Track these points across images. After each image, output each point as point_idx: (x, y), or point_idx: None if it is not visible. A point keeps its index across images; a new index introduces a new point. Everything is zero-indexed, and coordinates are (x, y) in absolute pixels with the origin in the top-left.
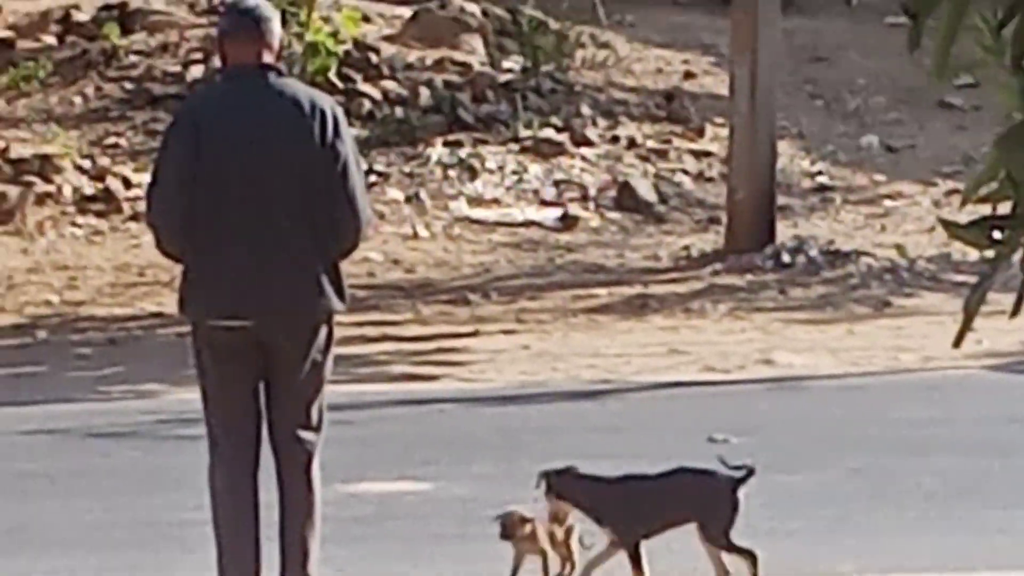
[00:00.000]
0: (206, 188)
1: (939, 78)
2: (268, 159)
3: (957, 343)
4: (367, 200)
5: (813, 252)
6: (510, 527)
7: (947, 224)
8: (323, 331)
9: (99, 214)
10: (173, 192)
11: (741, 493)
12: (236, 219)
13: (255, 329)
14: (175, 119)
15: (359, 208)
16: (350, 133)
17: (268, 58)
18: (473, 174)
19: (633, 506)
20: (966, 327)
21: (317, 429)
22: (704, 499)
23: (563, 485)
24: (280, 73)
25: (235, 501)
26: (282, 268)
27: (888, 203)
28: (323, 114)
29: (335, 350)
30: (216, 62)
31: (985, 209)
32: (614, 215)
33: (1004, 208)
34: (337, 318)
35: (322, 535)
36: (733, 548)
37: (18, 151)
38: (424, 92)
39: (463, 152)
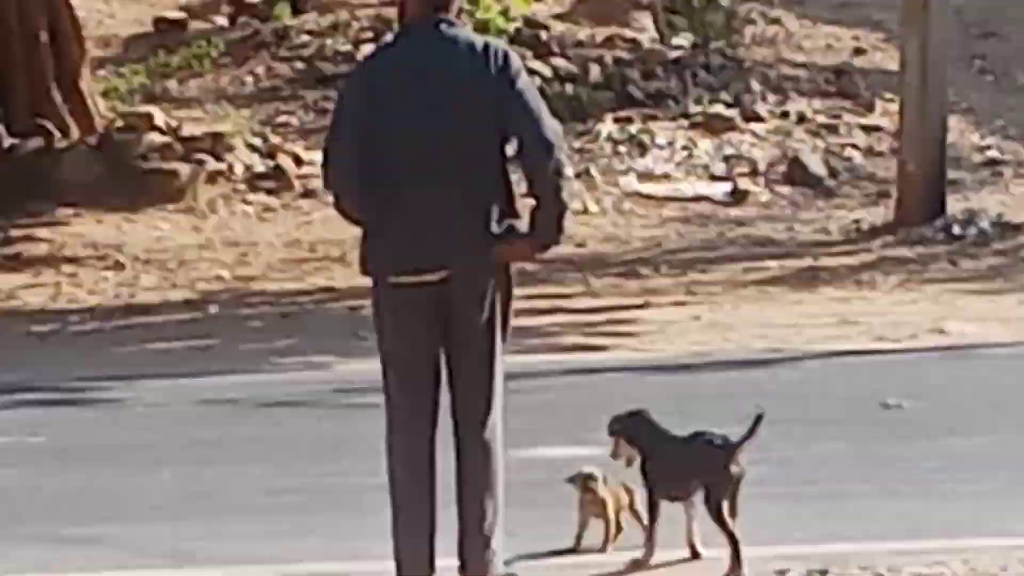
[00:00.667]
0: (383, 141)
1: None
2: (444, 107)
3: None
4: (555, 125)
5: (984, 224)
6: (575, 484)
7: None
8: (502, 289)
9: (270, 191)
10: (349, 147)
11: (742, 459)
12: (415, 172)
13: (437, 285)
14: (350, 76)
15: (542, 120)
16: (527, 75)
17: (447, 14)
18: (643, 150)
19: (670, 465)
20: None
21: (493, 395)
22: (705, 467)
23: (632, 428)
24: (452, 24)
25: (412, 465)
26: (465, 218)
27: None
28: (496, 52)
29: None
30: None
31: None
32: (784, 189)
33: None
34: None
35: (533, 501)
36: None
37: (190, 130)
38: (594, 69)
39: (633, 128)
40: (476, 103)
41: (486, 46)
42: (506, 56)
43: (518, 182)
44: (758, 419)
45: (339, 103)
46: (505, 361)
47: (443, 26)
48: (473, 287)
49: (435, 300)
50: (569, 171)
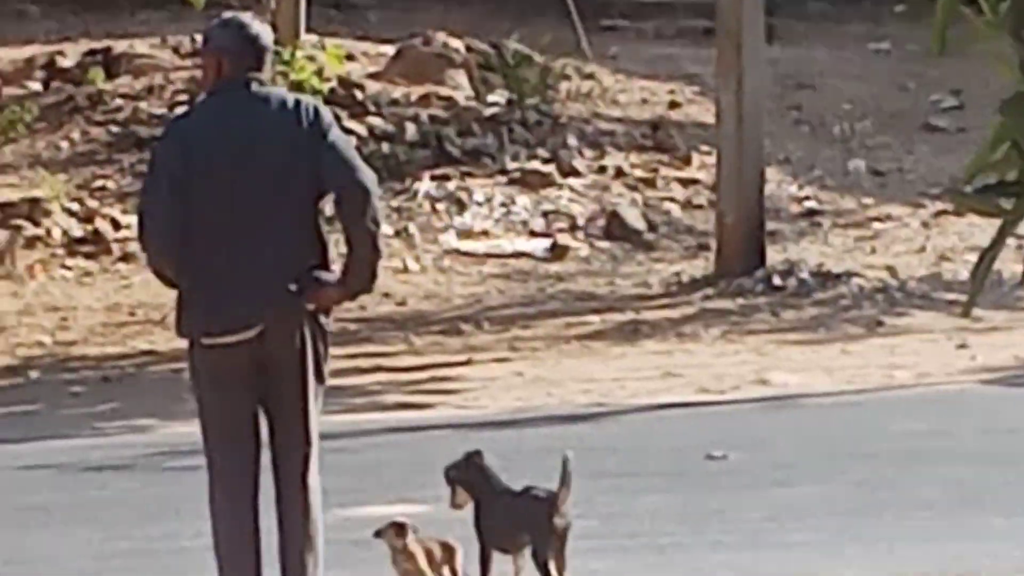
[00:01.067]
0: (197, 200)
1: (939, 52)
2: (256, 166)
3: (966, 313)
4: (371, 175)
5: (804, 274)
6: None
7: (956, 195)
8: (316, 340)
9: (88, 256)
10: (166, 205)
11: (565, 510)
12: (228, 231)
13: (252, 344)
14: (163, 136)
15: (356, 165)
16: (337, 126)
17: (259, 74)
18: (461, 207)
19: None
20: (974, 296)
21: (311, 450)
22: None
23: (469, 475)
24: (263, 83)
25: (235, 525)
26: (277, 275)
27: (877, 225)
28: (307, 107)
29: (329, 382)
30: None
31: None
32: (603, 244)
33: (1011, 175)
34: (331, 350)
35: (330, 559)
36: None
37: (6, 195)
38: (410, 127)
39: (451, 185)
40: (289, 160)
41: (297, 102)
42: (316, 110)
43: (332, 237)
44: (565, 463)
45: (152, 164)
46: (327, 421)
47: (254, 85)
48: (286, 341)
49: (249, 358)
50: (381, 220)
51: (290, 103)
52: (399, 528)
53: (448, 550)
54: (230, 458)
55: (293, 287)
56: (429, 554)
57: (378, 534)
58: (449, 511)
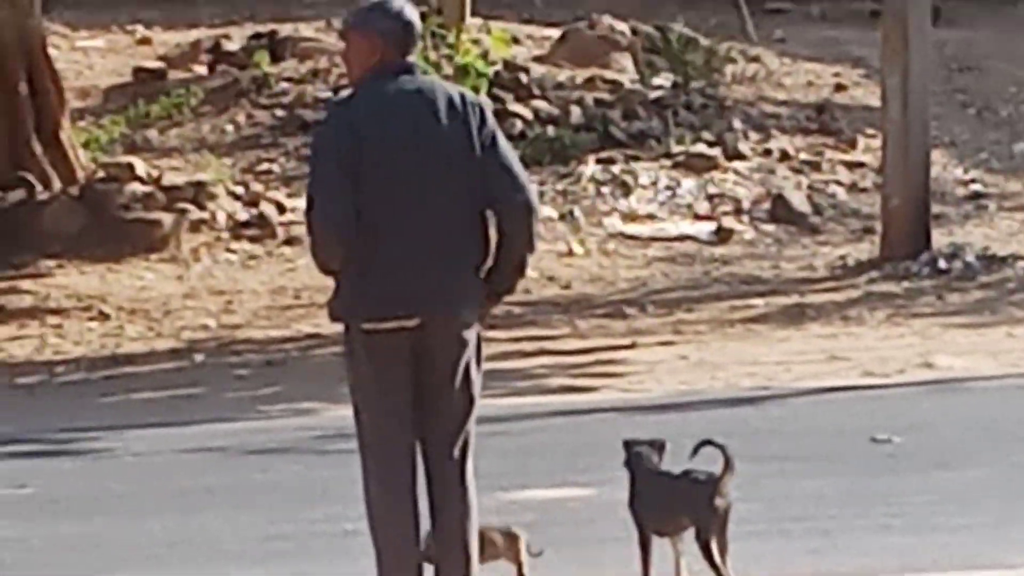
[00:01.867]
0: (366, 185)
1: None
2: (424, 154)
3: None
4: (527, 178)
5: (969, 258)
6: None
7: None
8: (474, 335)
9: (253, 239)
10: (337, 190)
11: (727, 492)
12: (396, 218)
13: (411, 332)
14: (327, 120)
15: (519, 176)
16: (498, 129)
17: (411, 59)
18: (626, 190)
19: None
20: None
21: (469, 439)
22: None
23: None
24: (424, 72)
25: (393, 512)
26: (442, 269)
27: None
28: (472, 105)
29: (494, 365)
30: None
31: None
32: (768, 227)
33: None
34: (494, 334)
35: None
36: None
37: (172, 179)
38: (575, 110)
39: (616, 168)
40: (456, 156)
41: (463, 97)
42: (482, 111)
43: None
44: (724, 449)
45: (317, 148)
46: (490, 404)
47: (415, 73)
48: (446, 334)
49: (408, 345)
50: (536, 212)
51: (456, 98)
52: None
53: (511, 539)
54: (387, 444)
55: (459, 284)
56: (491, 543)
57: None
58: (612, 494)
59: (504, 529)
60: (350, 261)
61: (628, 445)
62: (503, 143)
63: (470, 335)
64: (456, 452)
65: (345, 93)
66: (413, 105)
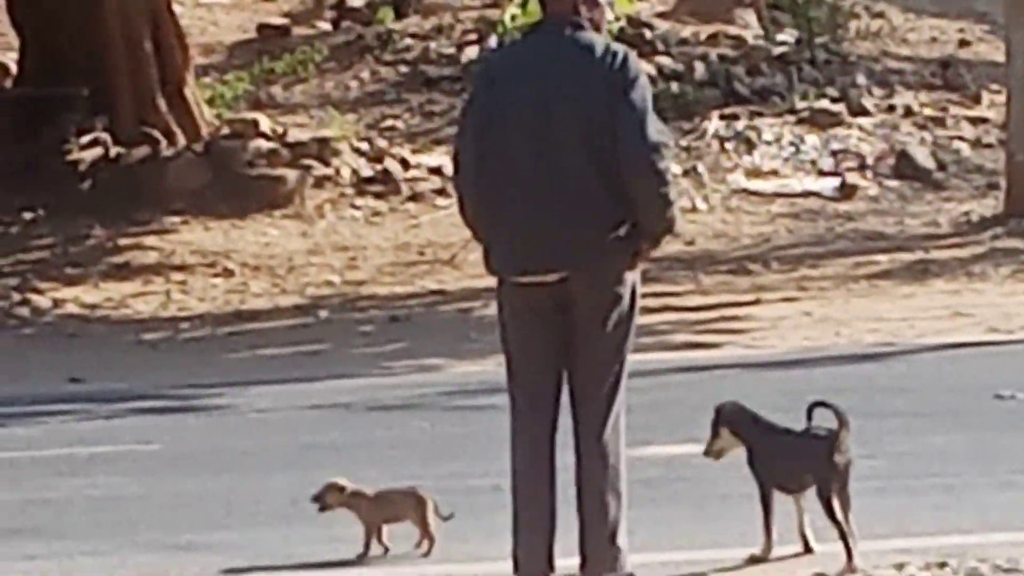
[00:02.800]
0: (498, 140)
1: None
2: (560, 108)
3: None
4: (661, 141)
5: None
6: (324, 498)
7: None
8: (625, 291)
9: (378, 195)
10: (470, 145)
11: (846, 448)
12: (532, 173)
13: (554, 287)
14: (478, 72)
15: (646, 135)
16: (644, 79)
17: (585, 14)
18: (750, 146)
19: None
20: None
21: (614, 396)
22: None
23: (738, 420)
24: (580, 26)
25: (532, 463)
26: (583, 221)
27: None
28: (614, 54)
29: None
30: (491, 42)
31: None
32: (892, 183)
33: None
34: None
35: (644, 499)
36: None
37: (296, 135)
38: (699, 66)
39: (739, 125)
40: (591, 109)
41: (606, 48)
42: (624, 60)
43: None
44: (825, 406)
45: (466, 101)
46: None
47: (568, 28)
48: (592, 290)
49: (552, 300)
50: (670, 175)
51: (599, 49)
52: (338, 489)
53: (419, 501)
54: (530, 396)
55: (601, 238)
56: (393, 503)
57: (317, 499)
58: (734, 451)
59: (409, 491)
60: (488, 217)
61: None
62: (638, 98)
63: (614, 290)
64: (599, 407)
65: (506, 44)
66: (554, 59)
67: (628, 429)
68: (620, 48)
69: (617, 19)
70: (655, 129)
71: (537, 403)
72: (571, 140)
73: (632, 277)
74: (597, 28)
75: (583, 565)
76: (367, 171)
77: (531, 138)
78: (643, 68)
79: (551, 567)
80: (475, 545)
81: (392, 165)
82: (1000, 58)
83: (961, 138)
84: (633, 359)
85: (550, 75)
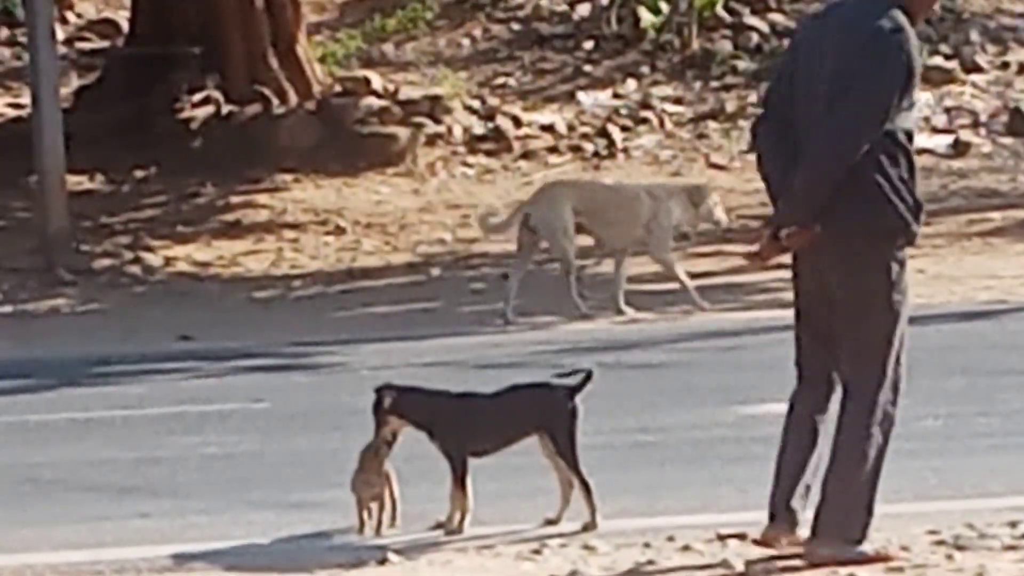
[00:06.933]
0: (783, 103)
1: None
2: (817, 82)
3: None
4: (857, 134)
5: None
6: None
7: None
8: (869, 257)
9: (489, 153)
10: (767, 104)
11: (578, 400)
12: (801, 143)
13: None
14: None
15: (836, 128)
16: (894, 62)
17: None
18: None
19: (467, 422)
20: None
21: (871, 363)
22: (543, 411)
23: (402, 401)
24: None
25: (793, 422)
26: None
27: None
28: (866, 30)
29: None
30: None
31: None
32: (1006, 140)
33: None
34: (732, 248)
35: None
36: (575, 466)
37: (408, 93)
38: None
39: None
40: (832, 82)
41: (875, 30)
42: (872, 37)
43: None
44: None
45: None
46: (727, 319)
47: (866, 4)
48: (840, 253)
49: (817, 260)
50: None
51: (867, 28)
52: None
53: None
54: (804, 350)
55: (846, 205)
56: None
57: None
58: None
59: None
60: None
61: None
62: (848, 74)
63: (855, 251)
64: (858, 373)
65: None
66: (828, 27)
67: (741, 388)
68: (883, 25)
69: None
70: (851, 127)
71: (807, 356)
72: (817, 114)
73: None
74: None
75: (812, 535)
76: (479, 129)
77: (801, 108)
78: (893, 56)
79: (775, 516)
80: (576, 503)
81: (504, 123)
82: None
83: None
84: (746, 317)
85: (820, 42)
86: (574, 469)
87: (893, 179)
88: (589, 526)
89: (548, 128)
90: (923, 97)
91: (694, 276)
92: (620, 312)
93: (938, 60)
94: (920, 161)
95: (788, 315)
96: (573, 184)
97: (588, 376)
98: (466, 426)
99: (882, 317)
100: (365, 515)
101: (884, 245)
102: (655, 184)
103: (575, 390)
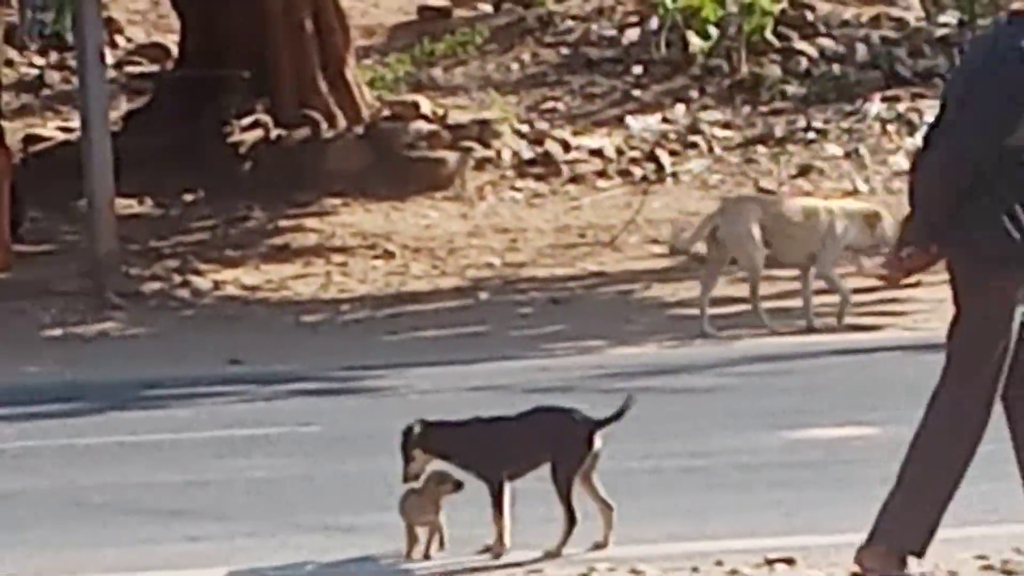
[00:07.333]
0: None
1: None
2: (954, 102)
3: None
4: (970, 152)
5: None
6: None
7: None
8: (967, 275)
9: (538, 178)
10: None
11: (598, 436)
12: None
13: None
14: None
15: (950, 145)
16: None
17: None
18: (912, 128)
19: (496, 446)
20: None
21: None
22: (558, 439)
23: (431, 438)
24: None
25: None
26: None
27: None
28: (1006, 52)
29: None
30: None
31: None
32: None
33: None
34: (779, 272)
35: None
36: (567, 498)
37: (456, 118)
38: (860, 48)
39: (901, 107)
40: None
41: (1007, 50)
42: (1005, 59)
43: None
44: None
45: None
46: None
47: (1013, 26)
48: (955, 270)
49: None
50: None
51: (1004, 47)
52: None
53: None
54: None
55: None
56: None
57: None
58: (897, 433)
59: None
60: None
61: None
62: (981, 95)
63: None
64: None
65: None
66: (983, 48)
67: (786, 412)
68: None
69: (778, 1)
70: (963, 142)
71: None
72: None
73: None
74: None
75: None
76: (527, 153)
77: (946, 124)
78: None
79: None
80: (633, 527)
81: (553, 147)
82: None
83: None
84: (793, 341)
85: (964, 70)
86: (565, 500)
87: (1010, 201)
88: (552, 554)
89: (597, 152)
90: None
91: (741, 300)
92: (812, 329)
93: None
94: None
95: (834, 340)
96: (757, 199)
97: (620, 413)
98: (497, 450)
99: (979, 339)
100: (415, 539)
101: (994, 269)
102: (834, 203)
103: (600, 424)
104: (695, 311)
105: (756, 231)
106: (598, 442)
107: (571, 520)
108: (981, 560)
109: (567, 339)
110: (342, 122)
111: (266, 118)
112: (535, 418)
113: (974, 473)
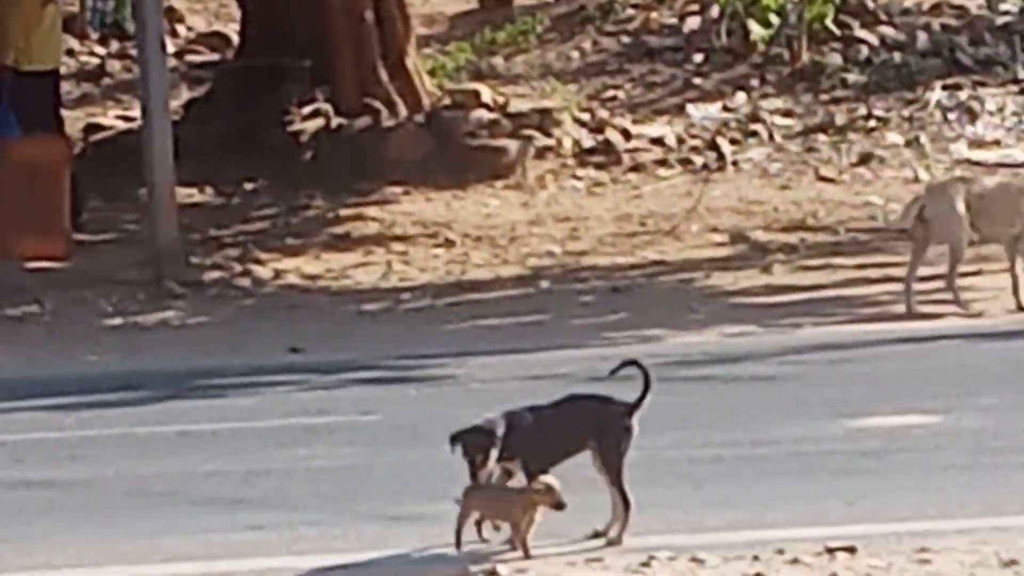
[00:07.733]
0: None
1: None
2: None
3: None
4: None
5: None
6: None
7: None
8: None
9: (599, 166)
10: None
11: (635, 419)
12: None
13: None
14: None
15: None
16: None
17: None
18: (973, 117)
19: (538, 436)
20: None
21: None
22: (598, 424)
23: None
24: None
25: None
26: None
27: None
28: None
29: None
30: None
31: None
32: None
33: None
34: (841, 260)
35: (838, 469)
36: (618, 483)
37: (517, 106)
38: (921, 36)
39: (962, 95)
40: None
41: None
42: None
43: None
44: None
45: None
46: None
47: None
48: None
49: None
50: None
51: None
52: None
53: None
54: None
55: None
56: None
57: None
58: (957, 421)
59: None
60: None
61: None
62: None
63: None
64: None
65: None
66: None
67: (848, 400)
68: None
69: None
70: None
71: None
72: None
73: None
74: None
75: None
76: (588, 142)
77: None
78: None
79: None
80: (695, 515)
81: (613, 136)
82: None
83: None
84: (854, 330)
85: None
86: (617, 485)
87: None
88: (614, 541)
89: (657, 141)
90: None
91: (803, 289)
92: (1022, 308)
93: None
94: None
95: (896, 328)
96: (963, 179)
97: (644, 395)
98: (539, 440)
99: None
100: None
101: None
102: None
103: (633, 407)
104: (756, 299)
105: (963, 210)
106: (636, 425)
107: (626, 505)
108: None
109: (628, 328)
110: (403, 111)
111: (327, 107)
112: (572, 407)
113: None
